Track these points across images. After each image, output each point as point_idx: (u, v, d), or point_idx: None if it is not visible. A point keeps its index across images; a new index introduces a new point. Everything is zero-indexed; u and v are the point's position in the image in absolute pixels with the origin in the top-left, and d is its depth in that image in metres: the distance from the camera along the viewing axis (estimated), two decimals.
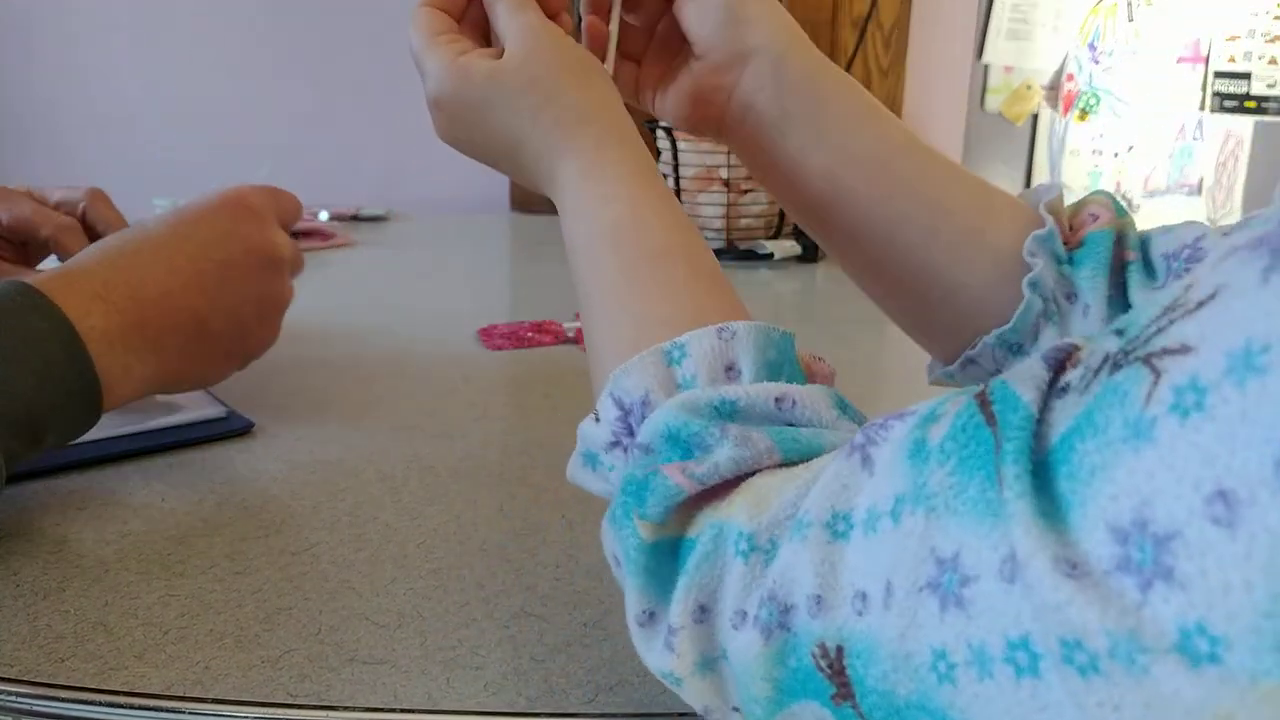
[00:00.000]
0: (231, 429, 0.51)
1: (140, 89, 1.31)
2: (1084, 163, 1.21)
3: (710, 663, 0.23)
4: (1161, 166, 1.23)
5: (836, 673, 0.20)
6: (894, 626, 0.18)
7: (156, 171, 1.32)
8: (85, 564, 0.39)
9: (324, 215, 1.13)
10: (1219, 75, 1.20)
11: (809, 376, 0.27)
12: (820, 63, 0.37)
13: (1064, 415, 0.17)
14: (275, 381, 0.60)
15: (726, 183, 0.96)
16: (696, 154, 0.95)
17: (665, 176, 1.00)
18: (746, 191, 0.97)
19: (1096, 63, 1.18)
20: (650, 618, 0.24)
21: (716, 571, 0.22)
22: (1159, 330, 0.16)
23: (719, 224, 0.97)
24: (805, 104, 0.36)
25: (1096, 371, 0.17)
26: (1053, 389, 0.18)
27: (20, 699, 0.31)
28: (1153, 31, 1.18)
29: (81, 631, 0.34)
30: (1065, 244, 0.36)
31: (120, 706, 0.31)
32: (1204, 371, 0.14)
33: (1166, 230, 0.36)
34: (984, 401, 0.18)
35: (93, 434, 0.47)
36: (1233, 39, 1.19)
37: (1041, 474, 0.16)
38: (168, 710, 0.31)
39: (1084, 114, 1.20)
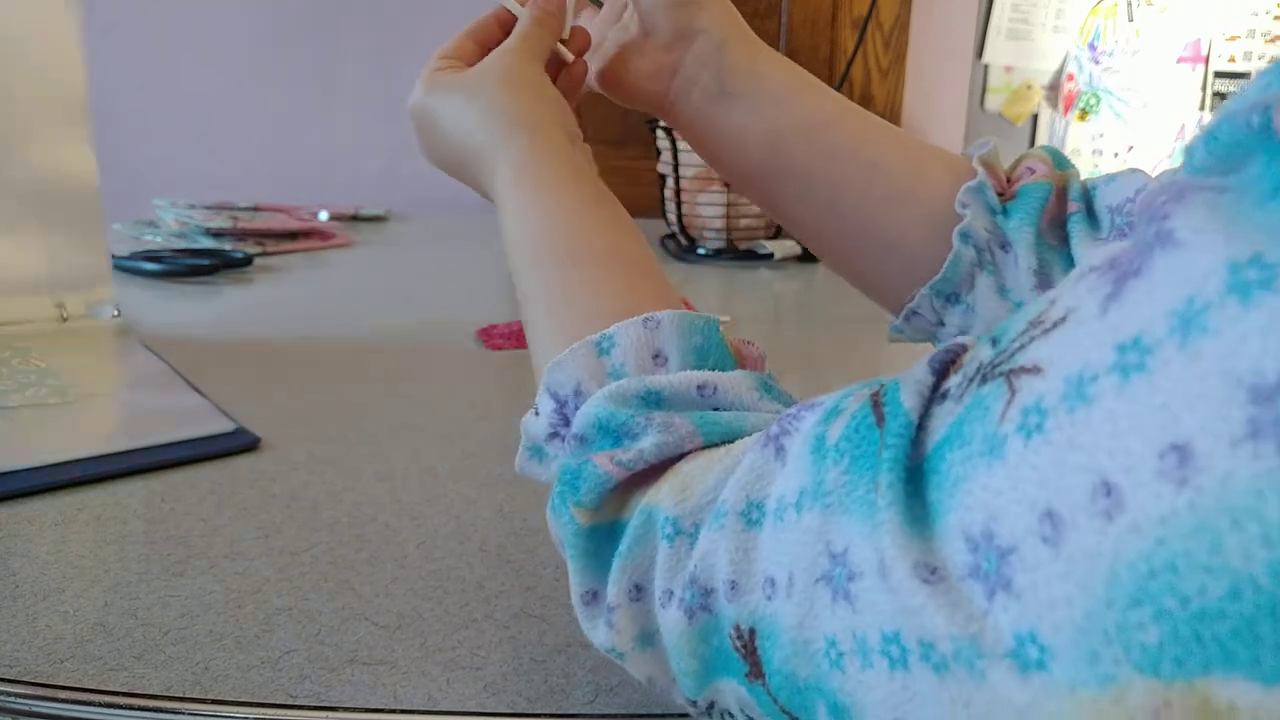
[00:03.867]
0: (239, 445, 0.50)
1: (139, 89, 1.31)
2: (1084, 162, 1.21)
3: (649, 637, 0.24)
4: (1162, 166, 1.23)
5: (749, 653, 0.21)
6: (794, 614, 0.19)
7: (156, 171, 1.32)
8: (84, 565, 0.38)
9: (324, 215, 1.13)
10: (1219, 75, 1.20)
11: (739, 360, 0.28)
12: (758, 45, 0.39)
13: (940, 423, 0.18)
14: (274, 382, 0.60)
15: (726, 183, 0.96)
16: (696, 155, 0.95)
17: (665, 177, 1.00)
18: None
19: (1097, 63, 1.18)
20: (593, 597, 0.25)
21: (648, 553, 0.24)
22: (1021, 347, 0.17)
23: (719, 224, 0.97)
24: (745, 81, 0.38)
25: (971, 380, 0.18)
26: (935, 394, 0.19)
27: (19, 700, 0.31)
28: (1153, 31, 1.18)
29: (81, 632, 0.34)
30: (1001, 195, 0.37)
31: (120, 707, 0.31)
32: (1047, 395, 0.15)
33: (1110, 179, 0.37)
34: (876, 403, 0.19)
35: (100, 449, 0.47)
36: (1233, 39, 1.19)
37: (917, 479, 0.17)
38: (167, 711, 0.31)
39: (1084, 114, 1.20)
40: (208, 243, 0.96)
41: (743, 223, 0.97)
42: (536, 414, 0.29)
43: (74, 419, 0.52)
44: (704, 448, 0.25)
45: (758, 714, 0.22)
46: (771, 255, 0.96)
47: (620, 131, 1.23)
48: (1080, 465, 0.14)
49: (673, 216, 1.00)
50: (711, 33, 0.39)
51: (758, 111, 0.38)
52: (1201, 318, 0.13)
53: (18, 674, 0.32)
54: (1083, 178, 0.38)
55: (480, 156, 0.34)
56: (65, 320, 0.67)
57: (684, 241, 1.01)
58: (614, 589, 0.24)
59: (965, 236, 0.37)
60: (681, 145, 0.96)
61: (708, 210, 0.97)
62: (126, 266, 0.85)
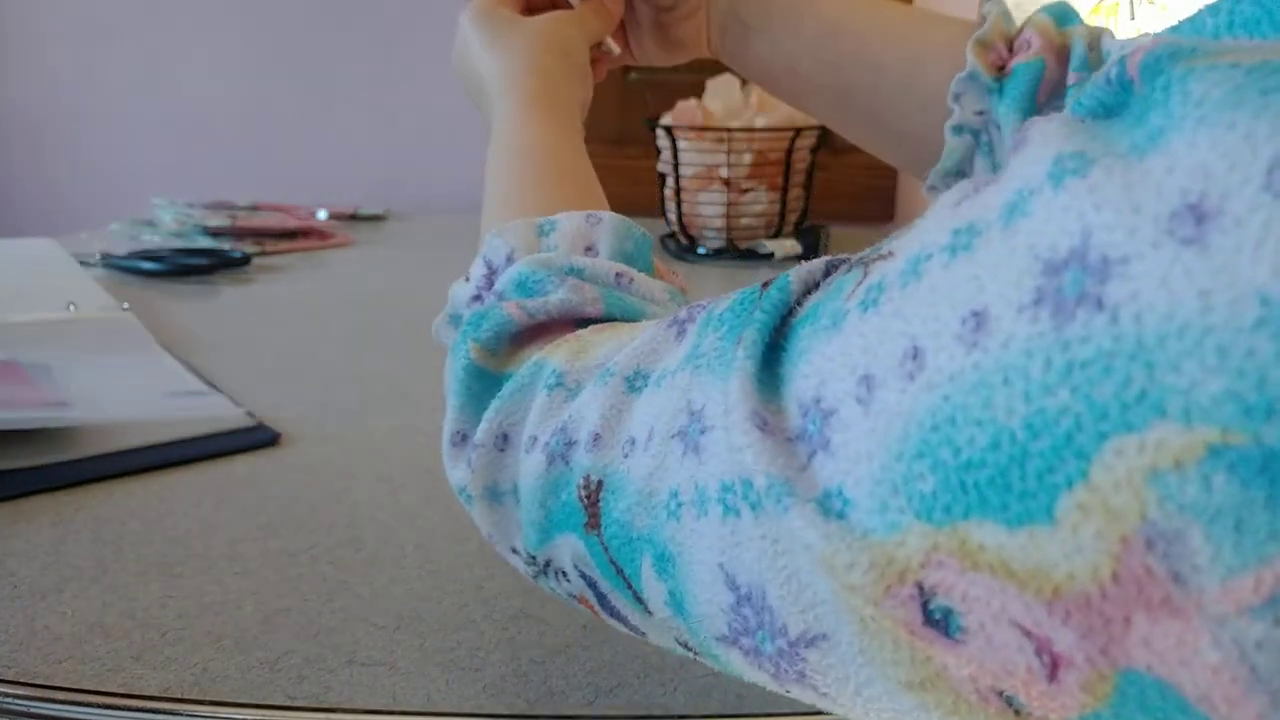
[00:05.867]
0: (259, 440, 0.50)
1: (139, 89, 1.31)
2: None
3: (496, 494, 0.25)
4: None
5: (591, 503, 0.22)
6: (646, 466, 0.20)
7: (155, 171, 1.32)
8: (83, 565, 0.38)
9: (322, 214, 1.12)
10: None
11: (660, 278, 0.31)
12: None
13: (806, 306, 0.19)
14: (272, 382, 0.60)
15: (727, 182, 0.96)
16: (697, 153, 0.95)
17: (664, 176, 0.99)
18: (746, 191, 0.97)
19: None
20: (462, 439, 0.26)
21: (525, 401, 0.25)
22: (889, 241, 0.18)
23: (719, 223, 0.97)
24: (758, 11, 0.42)
25: (841, 273, 0.19)
26: (817, 286, 0.20)
27: (17, 700, 0.31)
28: (1155, 30, 1.18)
29: (79, 633, 0.34)
30: (1001, 69, 0.38)
31: (118, 709, 0.31)
32: (889, 273, 0.16)
33: (1124, 48, 0.36)
34: (765, 284, 0.20)
35: (119, 445, 0.47)
36: None
37: (775, 353, 0.18)
38: (166, 712, 0.31)
39: None
40: (206, 242, 0.96)
41: (743, 222, 0.97)
42: (467, 280, 0.31)
43: (84, 415, 0.52)
44: (604, 319, 0.27)
45: (588, 566, 0.23)
46: (772, 255, 0.96)
47: (620, 131, 1.23)
48: (898, 332, 0.15)
49: (673, 216, 1.00)
50: None
51: (772, 40, 0.42)
52: (1024, 202, 0.14)
53: (15, 674, 0.32)
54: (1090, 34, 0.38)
55: (496, 93, 0.38)
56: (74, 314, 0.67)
57: (684, 241, 1.01)
58: (483, 429, 0.25)
59: (957, 129, 0.38)
60: (681, 144, 0.96)
61: (708, 209, 0.97)
62: (124, 266, 0.85)
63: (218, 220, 1.00)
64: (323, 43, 1.28)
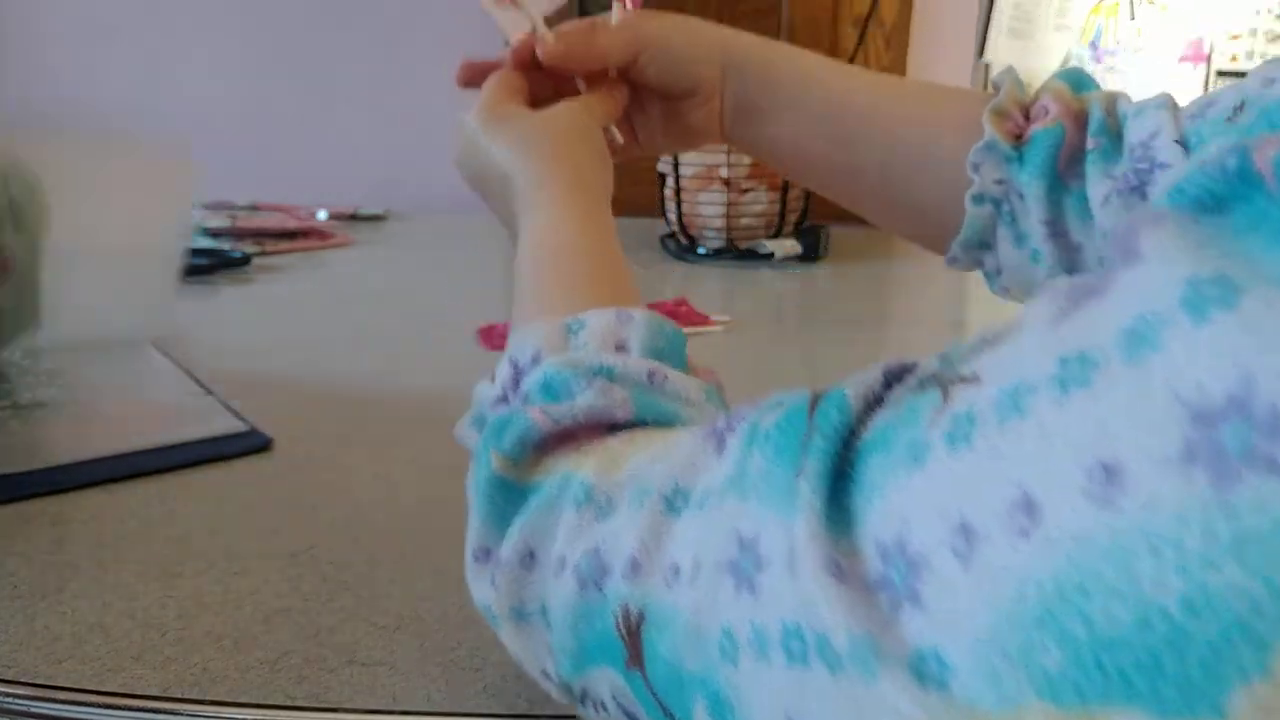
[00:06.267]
0: (251, 446, 0.50)
1: (139, 89, 1.31)
2: None
3: (523, 615, 0.24)
4: None
5: (632, 638, 0.20)
6: (693, 601, 0.19)
7: None
8: (83, 565, 0.38)
9: (322, 215, 1.12)
10: (1221, 74, 1.20)
11: (694, 375, 0.29)
12: (768, 56, 0.42)
13: (872, 428, 0.17)
14: (272, 382, 0.60)
15: (726, 182, 0.96)
16: (696, 154, 0.95)
17: (664, 175, 0.99)
18: (746, 191, 0.97)
19: (1099, 62, 1.18)
20: (486, 555, 0.25)
21: (553, 517, 0.23)
22: (966, 358, 0.16)
23: (719, 224, 0.97)
24: (766, 97, 0.41)
25: (910, 390, 0.17)
26: (879, 401, 0.18)
27: (18, 700, 0.31)
28: (1155, 30, 1.18)
29: (79, 633, 0.34)
30: (1018, 138, 0.37)
31: (118, 708, 0.31)
32: (979, 404, 0.15)
33: (1139, 112, 0.36)
34: (815, 399, 0.19)
35: (112, 449, 0.47)
36: (1235, 38, 1.19)
37: (841, 482, 0.17)
38: (166, 712, 0.31)
39: None
40: (206, 242, 0.96)
41: (743, 222, 0.97)
42: (491, 381, 0.29)
43: (83, 419, 0.52)
44: (635, 423, 0.25)
45: (631, 702, 0.21)
46: (772, 255, 0.96)
47: None
48: (1002, 477, 0.14)
49: (673, 215, 1.00)
50: (716, 78, 0.41)
51: (783, 121, 0.41)
52: (1153, 333, 0.12)
53: (16, 674, 0.32)
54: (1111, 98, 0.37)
55: (517, 193, 0.36)
56: None
57: (684, 241, 1.01)
58: (508, 546, 0.24)
59: (978, 199, 0.38)
60: None
61: (708, 209, 0.97)
62: None
63: (217, 220, 1.01)
64: (322, 43, 1.28)
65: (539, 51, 0.40)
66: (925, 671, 0.14)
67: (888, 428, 0.17)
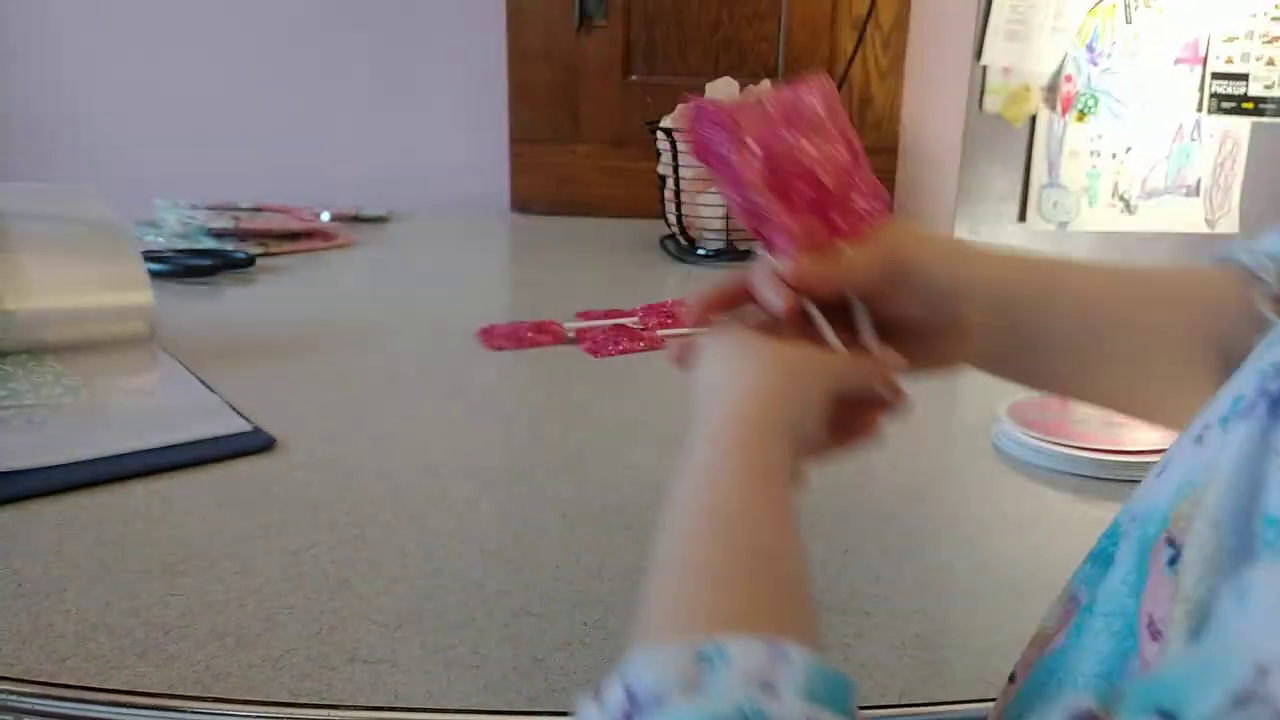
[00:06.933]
0: (255, 445, 0.50)
1: (143, 92, 1.32)
2: (1082, 164, 1.21)
3: None
4: (1159, 168, 1.23)
5: None
6: None
7: (158, 173, 1.32)
8: (86, 564, 0.39)
9: (325, 216, 1.13)
10: (1217, 76, 1.20)
11: None
12: (1041, 290, 0.36)
13: None
14: (275, 382, 0.60)
15: None
16: None
17: (664, 178, 1.00)
18: None
19: (1095, 64, 1.19)
20: None
21: None
22: None
23: (718, 225, 0.97)
24: (1037, 339, 0.35)
25: None
26: None
27: (22, 698, 0.31)
28: (1151, 33, 1.18)
29: (83, 631, 0.34)
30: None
31: (122, 706, 0.31)
32: None
33: None
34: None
35: (116, 448, 0.47)
36: (1230, 40, 1.19)
37: None
38: (169, 709, 0.31)
39: (1082, 115, 1.20)
40: (210, 243, 0.96)
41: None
42: (598, 702, 0.23)
43: (90, 419, 0.52)
44: None
45: None
46: None
47: (620, 133, 1.23)
48: None
49: (673, 217, 1.01)
50: (999, 308, 0.35)
51: (1049, 359, 0.36)
52: None
53: (20, 672, 0.32)
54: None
55: (714, 404, 0.31)
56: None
57: (684, 242, 1.01)
58: None
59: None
60: (681, 146, 0.96)
61: (707, 211, 0.97)
62: None
63: (221, 222, 1.01)
64: (325, 45, 1.28)
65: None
66: None
67: None
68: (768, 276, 0.34)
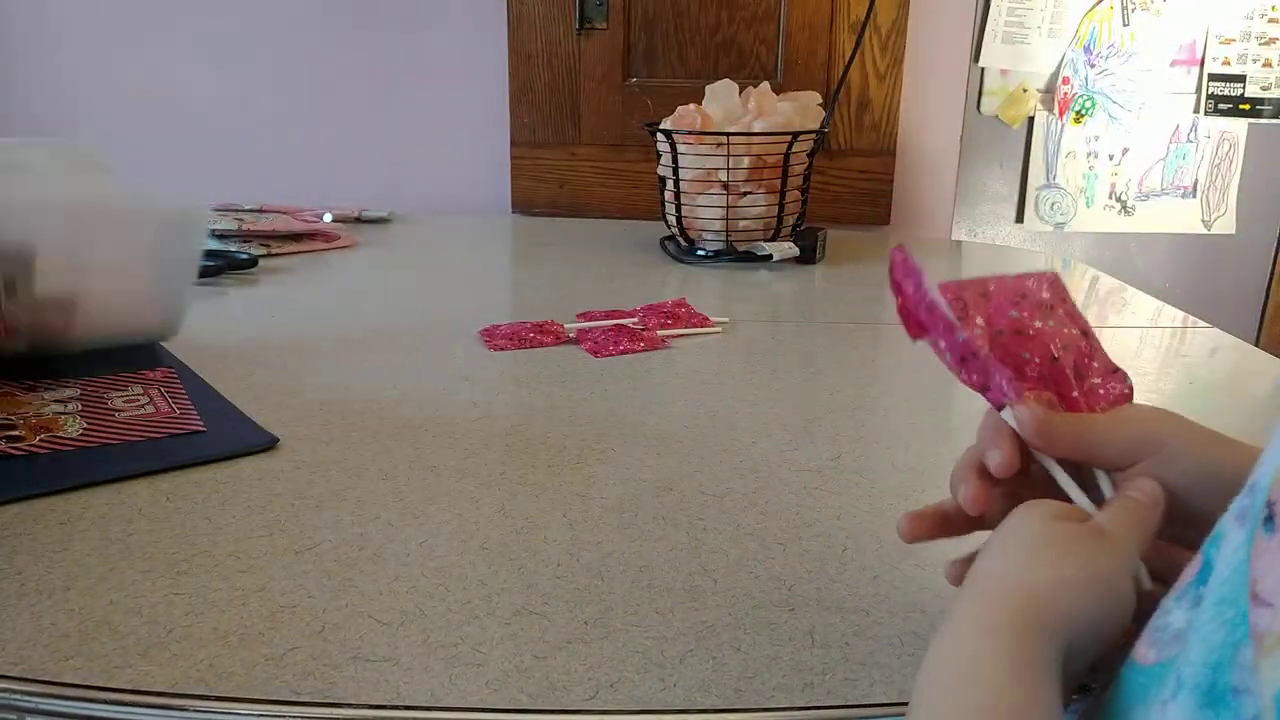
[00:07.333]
0: (258, 444, 0.50)
1: (143, 91, 1.32)
2: (1079, 165, 1.22)
3: None
4: (1156, 169, 1.23)
5: None
6: None
7: (161, 174, 1.32)
8: (90, 563, 0.39)
9: (328, 217, 1.13)
10: (1213, 78, 1.21)
11: None
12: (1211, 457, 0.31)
13: None
14: (278, 382, 0.60)
15: (725, 185, 0.96)
16: (696, 156, 0.96)
17: (664, 179, 1.00)
18: (745, 194, 0.97)
19: (1092, 66, 1.19)
20: None
21: None
22: None
23: (718, 225, 0.98)
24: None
25: None
26: None
27: (25, 697, 0.31)
28: (1148, 34, 1.18)
29: (86, 630, 0.34)
30: None
31: (125, 704, 0.31)
32: None
33: None
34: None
35: (118, 447, 0.47)
36: (1227, 42, 1.20)
37: None
38: (172, 708, 0.31)
39: (1079, 117, 1.20)
40: (213, 244, 0.97)
41: (741, 224, 0.98)
42: None
43: (91, 417, 0.52)
44: None
45: None
46: (770, 256, 0.97)
47: (620, 134, 1.24)
48: None
49: (672, 218, 1.01)
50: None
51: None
52: None
53: (23, 671, 0.32)
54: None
55: (994, 608, 0.27)
56: None
57: (684, 243, 1.01)
58: None
59: None
60: (681, 148, 0.96)
61: (707, 212, 0.98)
62: None
63: (224, 223, 1.01)
64: (327, 48, 1.28)
65: (1020, 427, 0.31)
66: None
67: None
68: (994, 431, 0.31)
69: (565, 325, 0.73)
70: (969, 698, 0.25)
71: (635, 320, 0.76)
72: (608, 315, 0.77)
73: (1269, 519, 0.19)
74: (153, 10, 1.29)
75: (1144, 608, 0.27)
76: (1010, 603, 0.26)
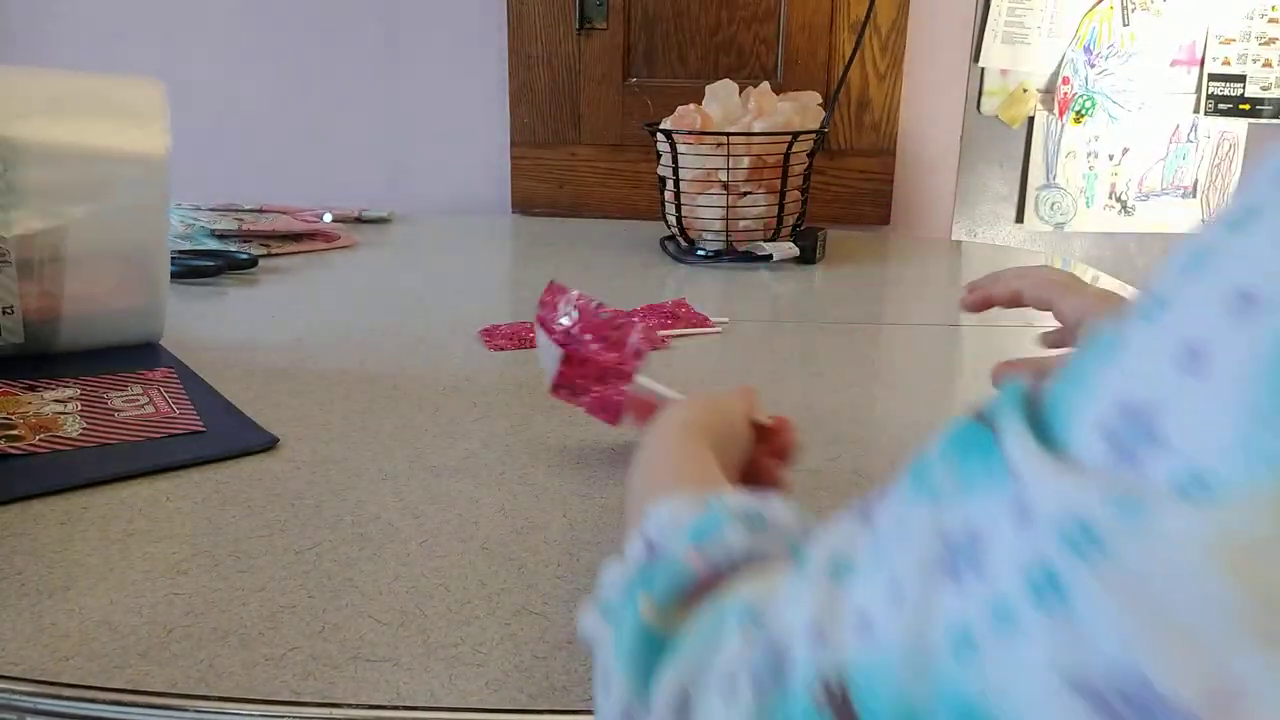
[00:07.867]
0: (258, 444, 0.50)
1: None
2: (1079, 165, 1.22)
3: None
4: (1156, 169, 1.23)
5: (842, 707, 0.18)
6: (902, 626, 0.17)
7: None
8: (90, 562, 0.39)
9: (328, 217, 1.13)
10: (1213, 78, 1.20)
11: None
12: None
13: (1053, 385, 0.18)
14: (278, 383, 0.60)
15: (725, 185, 0.96)
16: (696, 156, 0.96)
17: (664, 179, 1.00)
18: (745, 194, 0.97)
19: (1092, 66, 1.19)
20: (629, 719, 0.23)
21: (711, 646, 0.22)
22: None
23: (718, 225, 0.98)
24: None
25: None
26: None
27: (25, 697, 0.31)
28: (1148, 34, 1.18)
29: (86, 629, 0.34)
30: None
31: (124, 705, 0.31)
32: (1156, 294, 0.16)
33: None
34: (976, 412, 0.18)
35: (118, 447, 0.48)
36: (1227, 42, 1.19)
37: (1036, 429, 0.17)
38: (172, 708, 0.31)
39: (1079, 117, 1.20)
40: (212, 244, 0.97)
41: (741, 224, 0.98)
42: (623, 562, 0.26)
43: (91, 417, 0.52)
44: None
45: None
46: (770, 256, 0.97)
47: (620, 135, 1.24)
48: (1220, 282, 0.14)
49: (672, 218, 1.01)
50: None
51: None
52: None
53: (23, 671, 0.32)
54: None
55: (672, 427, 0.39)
56: None
57: (684, 243, 1.01)
58: (658, 699, 0.22)
59: None
60: (681, 148, 0.96)
61: (707, 212, 0.98)
62: None
63: (224, 223, 1.01)
64: (328, 46, 1.29)
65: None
66: (1187, 490, 0.14)
67: (1079, 365, 0.17)
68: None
69: None
70: (654, 455, 0.36)
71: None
72: None
73: None
74: (152, 10, 1.29)
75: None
76: (674, 422, 0.38)
